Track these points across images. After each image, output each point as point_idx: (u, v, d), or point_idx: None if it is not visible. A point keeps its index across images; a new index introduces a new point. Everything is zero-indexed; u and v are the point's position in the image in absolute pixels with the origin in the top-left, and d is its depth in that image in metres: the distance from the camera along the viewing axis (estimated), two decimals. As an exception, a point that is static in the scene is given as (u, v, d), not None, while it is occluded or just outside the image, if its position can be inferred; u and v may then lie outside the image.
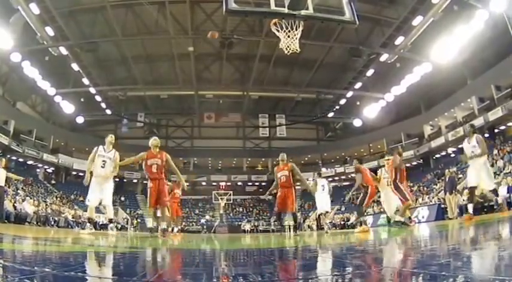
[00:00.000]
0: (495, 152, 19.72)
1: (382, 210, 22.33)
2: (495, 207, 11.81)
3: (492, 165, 18.17)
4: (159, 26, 22.40)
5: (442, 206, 14.29)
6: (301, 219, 24.91)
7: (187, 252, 3.75)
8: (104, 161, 6.54)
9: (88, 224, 7.36)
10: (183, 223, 23.52)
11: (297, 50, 7.37)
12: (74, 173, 32.29)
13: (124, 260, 2.74)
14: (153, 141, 6.52)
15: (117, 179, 33.15)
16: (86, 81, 25.60)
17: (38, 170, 29.95)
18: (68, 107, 26.99)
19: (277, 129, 32.85)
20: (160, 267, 2.35)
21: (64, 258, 2.48)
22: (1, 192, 9.94)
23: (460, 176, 19.54)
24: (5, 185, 10.65)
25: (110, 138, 6.85)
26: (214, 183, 35.45)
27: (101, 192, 6.57)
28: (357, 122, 30.99)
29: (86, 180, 6.37)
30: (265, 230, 28.61)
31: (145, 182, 6.36)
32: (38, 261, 2.23)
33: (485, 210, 12.32)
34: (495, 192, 8.19)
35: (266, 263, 2.59)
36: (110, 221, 6.32)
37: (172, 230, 11.96)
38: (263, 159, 37.04)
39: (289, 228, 16.87)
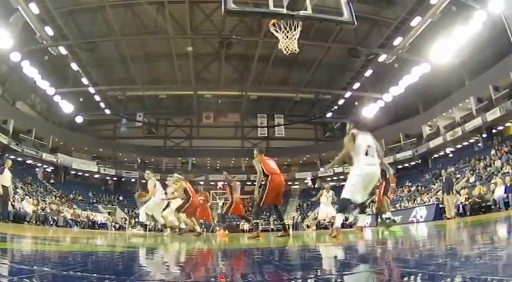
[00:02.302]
0: (493, 152, 19.80)
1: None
2: (492, 207, 11.91)
3: (490, 166, 18.30)
4: (158, 26, 22.37)
5: (440, 206, 14.35)
6: (300, 218, 24.91)
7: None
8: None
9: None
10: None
11: (295, 50, 7.36)
12: (73, 172, 32.30)
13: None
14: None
15: (114, 178, 33.43)
16: (85, 80, 25.64)
17: (37, 169, 29.92)
18: (67, 107, 27.00)
19: (275, 129, 32.87)
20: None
21: (63, 258, 2.50)
22: (6, 193, 9.98)
23: (458, 176, 19.64)
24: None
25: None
26: (212, 183, 35.37)
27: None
28: (356, 122, 30.99)
29: None
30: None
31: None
32: (37, 260, 2.25)
33: (482, 210, 12.41)
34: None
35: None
36: (164, 226, 8.45)
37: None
38: (261, 159, 36.96)
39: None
